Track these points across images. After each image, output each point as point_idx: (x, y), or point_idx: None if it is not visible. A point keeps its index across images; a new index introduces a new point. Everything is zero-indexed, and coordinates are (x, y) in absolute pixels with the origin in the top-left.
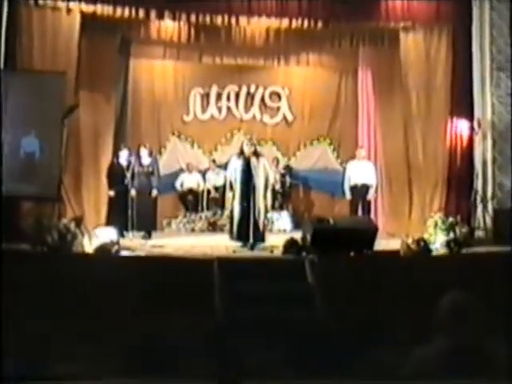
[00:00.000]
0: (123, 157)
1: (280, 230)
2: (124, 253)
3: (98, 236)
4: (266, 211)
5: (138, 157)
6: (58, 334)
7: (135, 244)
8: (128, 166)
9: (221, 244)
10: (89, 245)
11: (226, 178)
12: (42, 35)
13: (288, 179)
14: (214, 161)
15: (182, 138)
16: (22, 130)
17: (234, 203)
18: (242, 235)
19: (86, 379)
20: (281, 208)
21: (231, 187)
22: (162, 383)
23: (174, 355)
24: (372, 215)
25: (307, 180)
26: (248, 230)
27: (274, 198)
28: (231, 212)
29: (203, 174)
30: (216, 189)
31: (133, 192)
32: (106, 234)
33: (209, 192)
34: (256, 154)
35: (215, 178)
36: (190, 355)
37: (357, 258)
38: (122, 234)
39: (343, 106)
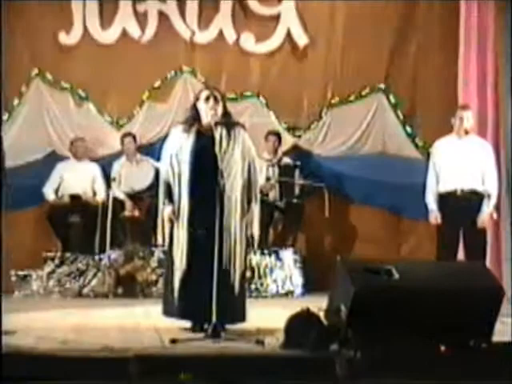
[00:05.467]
0: None
1: (280, 294)
2: None
3: None
4: (248, 249)
5: None
6: None
7: None
8: None
9: (144, 325)
10: None
11: (160, 174)
12: None
13: (298, 178)
14: (126, 136)
15: (55, 85)
16: None
17: (176, 231)
18: (192, 306)
19: None
20: (281, 243)
21: (169, 195)
22: None
23: None
24: (489, 261)
25: (341, 180)
26: (206, 294)
27: (268, 221)
28: (169, 252)
29: (103, 165)
30: (133, 197)
31: None
32: None
33: (119, 205)
34: (226, 122)
35: (133, 176)
36: None
37: (456, 360)
38: None
39: (422, 22)
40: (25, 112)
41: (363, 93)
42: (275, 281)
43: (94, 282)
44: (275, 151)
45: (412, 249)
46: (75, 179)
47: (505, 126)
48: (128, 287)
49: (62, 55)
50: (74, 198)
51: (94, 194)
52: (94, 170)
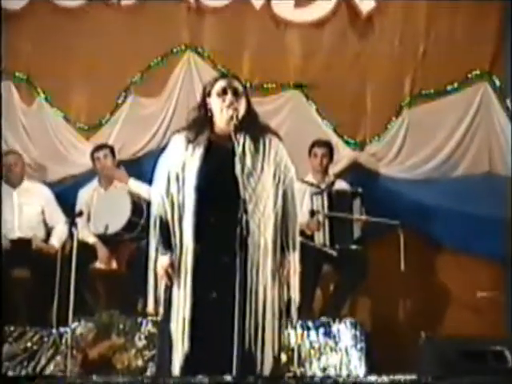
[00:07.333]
0: None
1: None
2: None
3: None
4: (284, 321)
5: None
6: None
7: None
8: None
9: None
10: None
11: (151, 207)
12: None
13: (358, 212)
14: (99, 148)
15: None
16: None
17: (175, 294)
18: None
19: None
20: (334, 311)
21: (165, 239)
22: None
23: None
24: None
25: (425, 215)
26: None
27: (314, 278)
28: (165, 325)
29: (63, 192)
30: (109, 241)
31: None
32: None
33: (87, 253)
34: (251, 128)
35: (108, 209)
36: None
37: None
38: None
39: None
40: None
41: (458, 83)
42: (325, 369)
43: (50, 369)
44: (325, 171)
45: None
46: (15, 215)
47: None
48: (101, 376)
49: (5, 25)
50: (19, 242)
51: (48, 235)
52: (43, 197)
